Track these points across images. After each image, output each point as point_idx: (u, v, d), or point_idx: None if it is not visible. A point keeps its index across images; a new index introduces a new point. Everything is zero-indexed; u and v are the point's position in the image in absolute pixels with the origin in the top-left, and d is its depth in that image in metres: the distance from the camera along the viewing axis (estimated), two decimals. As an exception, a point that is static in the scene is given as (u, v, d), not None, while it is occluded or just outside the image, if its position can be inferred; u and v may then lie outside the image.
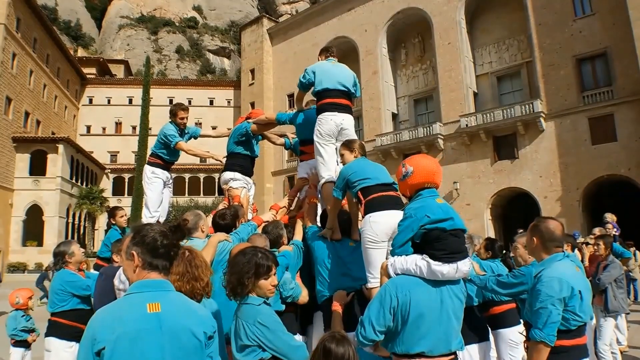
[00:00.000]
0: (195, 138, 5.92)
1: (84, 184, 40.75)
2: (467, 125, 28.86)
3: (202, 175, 44.72)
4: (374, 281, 3.12)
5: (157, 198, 5.51)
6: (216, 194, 41.84)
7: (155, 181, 5.52)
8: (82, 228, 40.10)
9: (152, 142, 6.67)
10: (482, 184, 28.54)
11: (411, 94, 34.92)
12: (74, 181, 38.33)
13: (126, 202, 40.06)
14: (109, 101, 50.47)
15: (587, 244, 9.74)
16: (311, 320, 3.81)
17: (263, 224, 4.08)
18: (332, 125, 4.09)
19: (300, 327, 3.66)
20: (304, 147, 4.85)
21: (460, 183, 29.14)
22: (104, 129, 49.85)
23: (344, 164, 3.66)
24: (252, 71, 44.45)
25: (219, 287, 2.68)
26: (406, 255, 2.51)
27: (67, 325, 4.35)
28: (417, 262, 2.43)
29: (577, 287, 2.74)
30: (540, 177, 26.44)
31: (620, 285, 6.07)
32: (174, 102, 6.16)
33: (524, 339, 2.96)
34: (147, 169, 5.58)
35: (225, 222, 3.77)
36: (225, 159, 5.26)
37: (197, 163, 44.23)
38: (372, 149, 31.60)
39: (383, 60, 35.03)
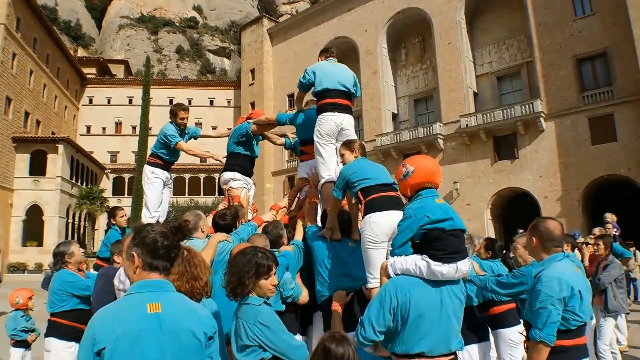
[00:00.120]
0: (195, 138, 5.92)
1: (84, 184, 40.75)
2: (467, 125, 28.86)
3: (202, 176, 44.73)
4: (373, 281, 3.12)
5: (157, 198, 5.51)
6: (216, 194, 41.85)
7: (155, 181, 5.52)
8: (82, 228, 40.10)
9: (152, 142, 6.67)
10: (482, 184, 28.54)
11: (411, 94, 34.93)
12: (74, 181, 38.32)
13: (126, 202, 40.05)
14: (109, 101, 50.48)
15: (587, 244, 9.74)
16: (311, 320, 3.81)
17: (263, 224, 4.08)
18: (332, 125, 4.10)
19: (300, 327, 3.66)
20: (304, 147, 4.85)
21: (461, 183, 29.14)
22: (104, 129, 49.85)
23: (344, 164, 3.66)
24: (252, 71, 44.46)
25: (219, 288, 2.68)
26: (406, 255, 2.51)
27: (67, 325, 4.34)
28: (416, 262, 2.43)
29: (577, 287, 2.74)
30: (540, 177, 26.44)
31: (620, 285, 6.07)
32: (174, 102, 6.17)
33: (524, 339, 2.96)
34: (147, 169, 5.57)
35: (226, 222, 3.77)
36: (225, 159, 5.26)
37: (197, 163, 44.23)
38: (372, 149, 31.61)
39: (383, 60, 35.03)
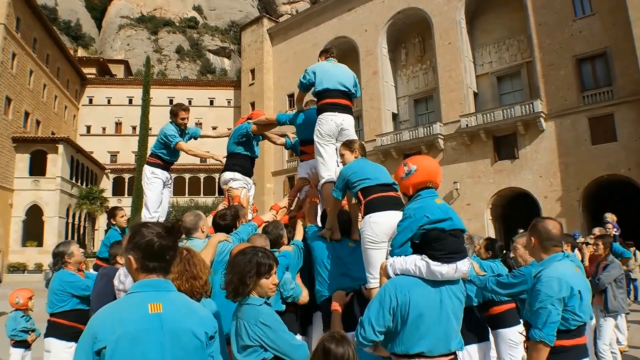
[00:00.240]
0: (196, 138, 5.92)
1: (84, 184, 40.75)
2: (467, 125, 28.87)
3: (202, 176, 44.73)
4: (373, 281, 3.12)
5: (157, 198, 5.51)
6: (216, 194, 41.85)
7: (155, 181, 5.51)
8: (82, 228, 40.10)
9: (152, 142, 6.67)
10: (483, 184, 28.54)
11: (411, 94, 34.93)
12: (74, 181, 38.32)
13: (126, 202, 40.06)
14: (109, 101, 50.48)
15: (587, 244, 9.74)
16: (311, 320, 3.81)
17: (263, 224, 4.08)
18: (332, 125, 4.10)
19: (300, 327, 3.66)
20: (304, 147, 4.85)
21: (461, 183, 29.14)
22: (104, 129, 49.85)
23: (344, 164, 3.66)
24: (252, 71, 44.46)
25: (219, 288, 2.68)
26: (405, 255, 2.51)
27: (67, 325, 4.34)
28: (416, 262, 2.43)
29: (577, 287, 2.74)
30: (540, 177, 26.44)
31: (620, 285, 6.07)
32: (174, 102, 6.18)
33: (524, 339, 2.97)
34: (147, 169, 5.57)
35: (226, 222, 3.77)
36: (225, 159, 5.26)
37: (198, 163, 44.23)
38: (372, 149, 31.62)
39: (383, 60, 35.03)
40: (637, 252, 14.27)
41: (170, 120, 5.50)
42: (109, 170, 45.09)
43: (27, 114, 36.92)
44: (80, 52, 62.37)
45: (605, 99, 25.12)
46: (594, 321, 5.85)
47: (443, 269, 2.38)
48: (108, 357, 1.65)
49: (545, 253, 2.91)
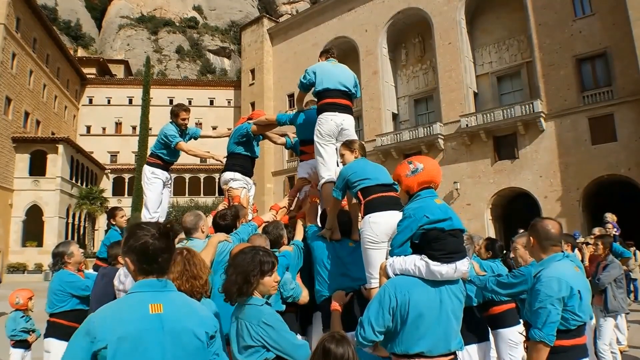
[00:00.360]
0: (196, 139, 5.92)
1: (84, 184, 40.74)
2: (467, 125, 28.87)
3: (202, 176, 44.72)
4: (373, 281, 3.12)
5: (157, 198, 5.51)
6: (216, 194, 41.84)
7: (155, 181, 5.51)
8: (82, 228, 40.09)
9: (152, 142, 6.67)
10: (483, 184, 28.54)
11: (411, 94, 34.93)
12: (73, 181, 38.31)
13: (126, 202, 40.06)
14: (109, 101, 50.47)
15: (587, 244, 9.74)
16: (310, 320, 3.81)
17: (263, 224, 4.08)
18: (333, 125, 4.10)
19: (300, 327, 3.66)
20: (304, 147, 4.85)
21: (461, 183, 29.14)
22: (104, 129, 49.84)
23: (344, 164, 3.66)
24: (253, 71, 44.46)
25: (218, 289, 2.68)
26: (405, 255, 2.51)
27: (67, 325, 4.33)
28: (415, 262, 2.44)
29: (576, 286, 2.75)
30: (540, 177, 26.44)
31: (619, 285, 6.07)
32: (174, 102, 6.18)
33: (524, 338, 2.97)
34: (147, 169, 5.57)
35: (226, 222, 3.77)
36: (225, 159, 5.26)
37: (198, 163, 44.23)
38: (372, 149, 31.62)
39: (383, 60, 35.03)
40: (637, 252, 14.26)
41: (171, 121, 5.50)
42: (109, 170, 45.08)
43: (27, 114, 36.92)
44: (80, 52, 62.37)
45: (605, 99, 25.13)
46: (593, 321, 5.85)
47: (442, 269, 2.38)
48: (110, 358, 1.65)
49: (544, 253, 2.91)
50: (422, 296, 2.38)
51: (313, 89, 4.31)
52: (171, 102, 47.51)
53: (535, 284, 2.81)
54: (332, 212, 3.65)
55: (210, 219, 4.08)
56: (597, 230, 9.54)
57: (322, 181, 4.08)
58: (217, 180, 37.97)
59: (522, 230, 8.41)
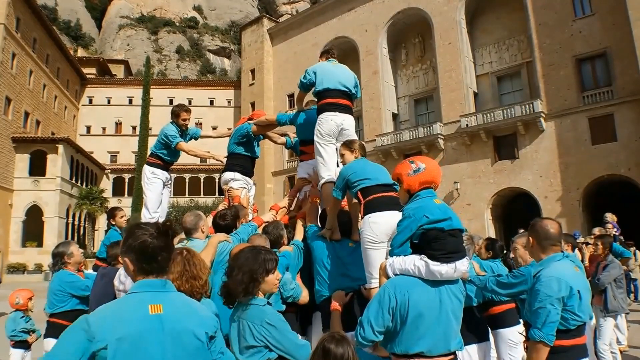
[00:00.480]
0: (196, 139, 5.92)
1: (84, 184, 40.74)
2: (467, 125, 28.87)
3: (202, 176, 44.72)
4: (373, 281, 3.12)
5: (157, 198, 5.51)
6: (216, 195, 41.84)
7: (155, 182, 5.52)
8: (82, 228, 40.08)
9: (152, 142, 6.67)
10: (483, 184, 28.54)
11: (411, 94, 34.93)
12: (73, 181, 38.31)
13: (126, 202, 40.05)
14: (109, 101, 50.47)
15: (587, 244, 9.74)
16: (310, 320, 3.81)
17: (263, 225, 4.07)
18: (333, 125, 4.09)
19: (299, 327, 3.66)
20: (304, 147, 4.85)
21: (461, 183, 29.14)
22: (104, 129, 49.84)
23: (344, 164, 3.66)
24: (253, 71, 44.46)
25: (218, 291, 2.68)
26: (405, 255, 2.51)
27: (67, 326, 4.29)
28: (415, 262, 2.44)
29: (576, 286, 2.75)
30: (540, 177, 26.44)
31: (619, 285, 6.07)
32: (174, 102, 6.19)
33: (524, 338, 2.97)
34: (147, 170, 5.57)
35: (226, 222, 3.77)
36: (225, 159, 5.27)
37: (198, 163, 44.23)
38: (372, 149, 31.62)
39: (383, 60, 35.03)
40: (637, 252, 14.26)
41: (171, 121, 5.51)
42: (109, 171, 45.08)
43: (27, 114, 36.92)
44: (80, 52, 62.37)
45: (605, 99, 25.13)
46: (593, 321, 5.85)
47: (442, 269, 2.38)
48: (110, 359, 1.64)
49: (544, 253, 2.92)
50: (422, 296, 2.38)
51: (313, 89, 4.31)
52: (171, 102, 47.51)
53: (534, 284, 2.81)
54: (332, 212, 3.65)
55: (210, 219, 4.08)
56: (597, 230, 9.54)
57: (322, 181, 4.08)
58: (217, 180, 37.97)
59: (522, 231, 8.40)
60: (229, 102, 51.34)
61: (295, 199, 4.77)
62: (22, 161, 35.01)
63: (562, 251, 2.96)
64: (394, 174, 2.85)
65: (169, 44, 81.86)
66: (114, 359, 1.64)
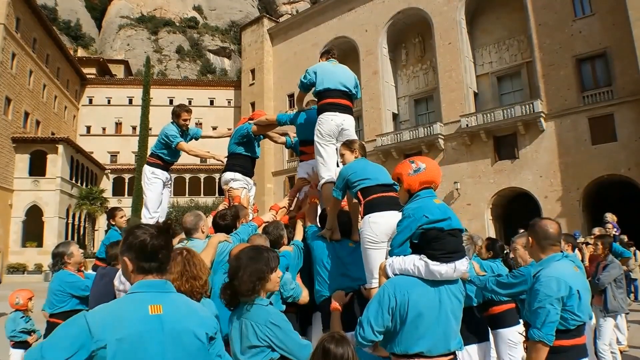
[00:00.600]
0: (197, 139, 5.92)
1: (84, 184, 40.74)
2: (467, 125, 28.87)
3: (202, 176, 44.73)
4: (373, 281, 3.12)
5: (157, 198, 5.51)
6: (216, 195, 41.85)
7: (155, 182, 5.52)
8: (82, 229, 40.09)
9: (152, 142, 6.66)
10: (483, 184, 28.54)
11: (411, 94, 34.94)
12: (73, 182, 38.31)
13: (126, 202, 40.05)
14: (109, 101, 50.48)
15: (587, 244, 9.74)
16: (310, 320, 3.81)
17: (263, 225, 4.07)
18: (333, 125, 4.09)
19: (299, 327, 3.66)
20: (304, 147, 4.85)
21: (461, 183, 29.15)
22: (104, 129, 49.85)
23: (344, 164, 3.66)
24: (253, 71, 44.46)
25: (219, 289, 2.67)
26: (404, 255, 2.51)
27: (67, 326, 4.32)
28: (415, 262, 2.44)
29: (575, 286, 2.75)
30: (540, 177, 26.45)
31: (619, 285, 6.07)
32: (174, 102, 6.20)
33: (523, 338, 2.97)
34: (147, 170, 5.57)
35: (226, 222, 3.77)
36: (226, 159, 5.27)
37: (198, 163, 44.25)
38: (372, 149, 31.63)
39: (383, 60, 35.04)
40: (637, 251, 14.26)
41: (172, 121, 5.51)
42: (109, 171, 45.08)
43: (26, 114, 36.92)
44: (80, 52, 62.38)
45: (605, 99, 25.14)
46: (593, 321, 5.85)
47: (442, 269, 2.38)
48: (109, 359, 1.63)
49: (543, 253, 2.92)
50: (422, 296, 2.39)
51: (313, 89, 4.32)
52: (171, 102, 47.52)
53: (534, 284, 2.82)
54: (332, 212, 3.65)
55: (210, 219, 4.08)
56: (596, 230, 9.54)
57: (322, 181, 4.07)
58: (217, 180, 37.98)
59: (522, 230, 8.40)
60: (229, 102, 51.35)
61: (295, 199, 4.77)
62: (22, 161, 35.02)
63: (561, 251, 2.96)
64: (394, 174, 2.85)
65: (169, 44, 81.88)
66: (114, 359, 1.64)
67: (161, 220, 5.48)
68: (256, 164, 5.54)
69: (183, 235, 3.67)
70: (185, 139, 5.54)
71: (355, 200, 3.60)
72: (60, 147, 35.86)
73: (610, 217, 10.07)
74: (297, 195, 4.79)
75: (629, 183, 24.02)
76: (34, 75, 37.97)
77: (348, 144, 3.69)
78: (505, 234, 27.22)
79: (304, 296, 3.55)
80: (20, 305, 5.68)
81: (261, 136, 5.30)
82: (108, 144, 49.03)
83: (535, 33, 27.60)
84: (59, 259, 4.54)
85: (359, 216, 3.43)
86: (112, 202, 39.64)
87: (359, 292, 3.31)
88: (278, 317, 2.31)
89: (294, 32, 41.81)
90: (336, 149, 4.10)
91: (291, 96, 39.16)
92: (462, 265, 2.44)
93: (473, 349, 3.91)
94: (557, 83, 26.64)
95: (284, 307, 3.38)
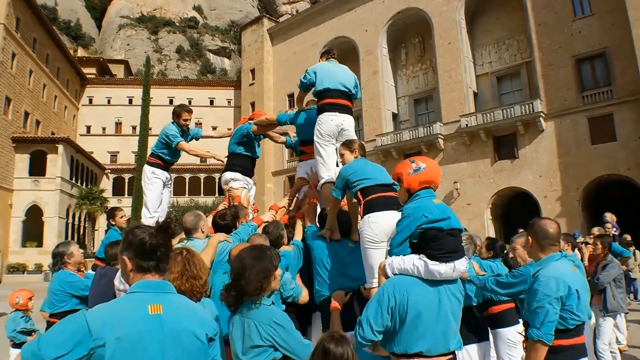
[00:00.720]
0: (197, 139, 5.92)
1: (84, 184, 40.73)
2: (467, 125, 28.88)
3: (202, 176, 44.72)
4: (373, 281, 3.13)
5: (157, 198, 5.52)
6: (216, 194, 41.84)
7: (155, 181, 5.52)
8: (82, 229, 40.07)
9: (152, 142, 6.67)
10: (483, 184, 28.55)
11: (411, 94, 34.94)
12: (73, 181, 38.29)
13: (126, 202, 40.03)
14: (109, 101, 50.45)
15: (586, 243, 9.74)
16: (310, 320, 3.82)
17: (263, 224, 4.08)
18: (332, 125, 4.10)
19: (299, 327, 3.67)
20: (303, 147, 4.85)
21: (461, 183, 29.15)
22: (104, 129, 49.82)
23: (344, 164, 3.66)
24: (253, 71, 44.46)
25: (219, 289, 2.68)
26: (404, 255, 2.52)
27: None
28: (414, 261, 2.44)
29: (574, 286, 2.75)
30: (540, 177, 26.45)
31: (619, 285, 6.08)
32: (174, 102, 6.20)
33: (523, 338, 2.97)
34: (147, 169, 5.58)
35: (225, 222, 3.77)
36: (226, 159, 5.27)
37: (198, 163, 44.24)
38: (372, 149, 31.63)
39: (383, 60, 35.04)
40: (636, 251, 14.26)
41: (172, 121, 5.51)
42: (109, 171, 45.06)
43: (26, 114, 36.90)
44: (80, 52, 62.34)
45: (604, 99, 25.14)
46: (593, 320, 5.85)
47: (441, 268, 2.39)
48: (108, 358, 1.63)
49: (542, 252, 2.92)
50: (421, 296, 2.39)
51: (313, 89, 4.32)
52: (171, 102, 47.51)
53: (533, 284, 2.82)
54: (331, 212, 3.65)
55: (210, 219, 4.08)
56: (596, 230, 9.54)
57: (322, 181, 4.08)
58: (217, 180, 37.99)
59: (522, 230, 8.40)
60: (229, 102, 51.34)
61: (295, 198, 4.78)
62: (22, 161, 35.00)
63: (561, 251, 2.97)
64: (394, 173, 2.85)
65: (169, 44, 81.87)
66: (113, 358, 1.64)
67: (161, 220, 5.48)
68: (256, 164, 5.54)
69: (183, 235, 3.67)
70: (185, 139, 5.54)
71: (354, 200, 3.60)
72: (60, 147, 35.84)
73: (609, 216, 10.08)
74: (296, 195, 4.79)
75: (629, 183, 24.03)
76: (34, 75, 37.96)
77: (348, 144, 3.70)
78: (505, 234, 27.22)
79: (304, 296, 3.55)
80: (20, 305, 5.68)
81: (261, 136, 5.30)
82: (108, 143, 49.01)
83: (534, 33, 27.60)
84: (59, 258, 4.54)
85: (359, 216, 3.43)
86: (112, 202, 39.64)
87: (359, 291, 3.32)
88: (281, 316, 2.32)
89: (293, 32, 41.81)
90: (336, 149, 4.10)
91: (291, 96, 39.15)
92: (461, 265, 2.45)
93: (473, 348, 3.91)
94: (556, 83, 26.64)
95: (283, 307, 3.38)
